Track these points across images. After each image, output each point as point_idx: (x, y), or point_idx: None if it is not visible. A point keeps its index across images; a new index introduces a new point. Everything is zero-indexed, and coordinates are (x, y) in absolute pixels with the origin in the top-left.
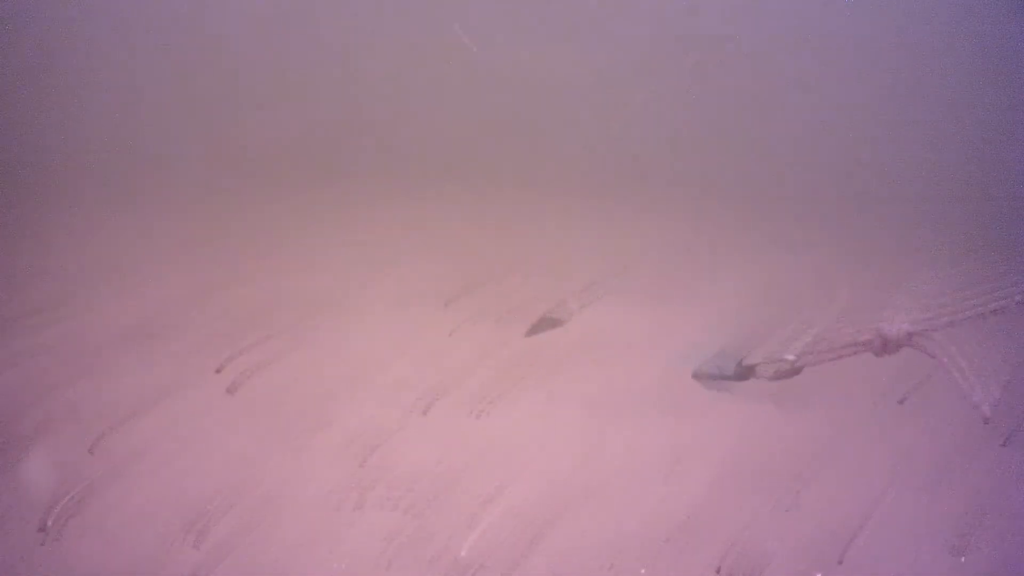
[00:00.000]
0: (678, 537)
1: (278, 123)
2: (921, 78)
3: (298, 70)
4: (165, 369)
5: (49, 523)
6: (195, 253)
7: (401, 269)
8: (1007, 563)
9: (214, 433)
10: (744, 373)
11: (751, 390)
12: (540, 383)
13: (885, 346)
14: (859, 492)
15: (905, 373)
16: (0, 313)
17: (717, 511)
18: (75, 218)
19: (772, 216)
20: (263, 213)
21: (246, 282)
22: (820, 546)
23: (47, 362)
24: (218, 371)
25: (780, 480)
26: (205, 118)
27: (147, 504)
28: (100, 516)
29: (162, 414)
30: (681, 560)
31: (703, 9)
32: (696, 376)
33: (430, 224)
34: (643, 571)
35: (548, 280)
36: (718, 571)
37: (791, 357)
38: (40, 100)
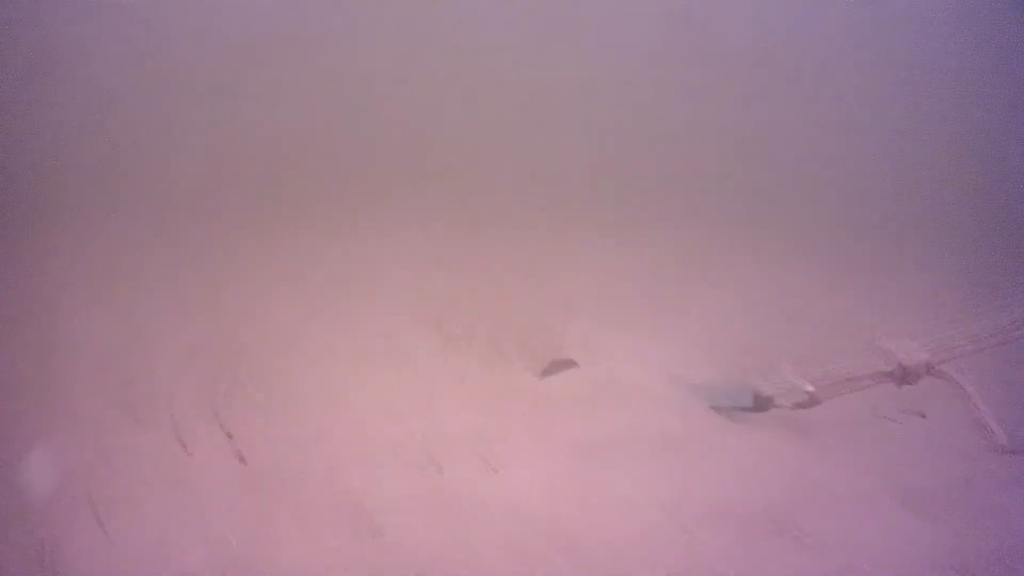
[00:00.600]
0: None
1: (272, 127)
2: (920, 79)
3: (293, 72)
4: (149, 410)
5: None
6: (186, 266)
7: (397, 296)
8: None
9: (213, 503)
10: (762, 404)
11: (766, 421)
12: (553, 428)
13: (905, 376)
14: (872, 522)
15: (918, 391)
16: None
17: (729, 552)
18: (74, 221)
19: (772, 225)
20: (259, 222)
21: (234, 302)
22: None
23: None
24: (229, 437)
25: (792, 516)
26: (198, 120)
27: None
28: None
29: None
30: None
31: (701, 13)
32: (714, 409)
33: (420, 239)
34: None
35: (551, 309)
36: None
37: (810, 388)
38: (36, 104)
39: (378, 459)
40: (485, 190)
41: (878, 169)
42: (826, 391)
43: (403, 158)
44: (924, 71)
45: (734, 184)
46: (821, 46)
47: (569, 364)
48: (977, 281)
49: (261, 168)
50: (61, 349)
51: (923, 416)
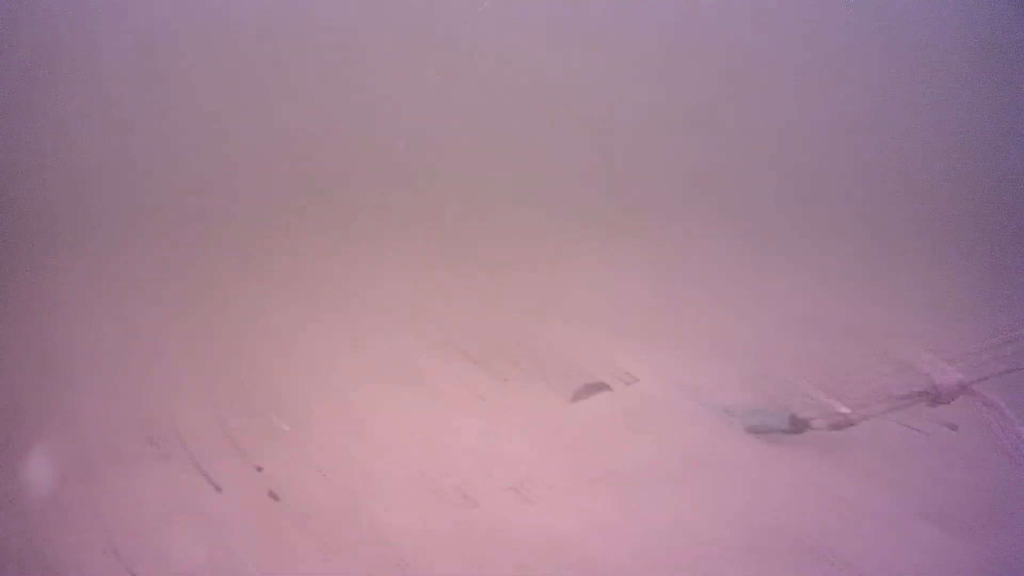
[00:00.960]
0: None
1: (277, 136)
2: (922, 79)
3: (295, 77)
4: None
5: None
6: (197, 281)
7: (412, 320)
8: None
9: (247, 540)
10: (798, 427)
11: (798, 439)
12: (589, 455)
13: (939, 396)
14: (907, 545)
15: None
16: None
17: None
18: (75, 227)
19: (790, 230)
20: (273, 238)
21: (248, 323)
22: None
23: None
24: (260, 470)
25: (826, 539)
26: (199, 127)
27: None
28: None
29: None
30: None
31: (700, 13)
32: (750, 432)
33: (428, 257)
34: None
35: (575, 328)
36: None
37: (846, 410)
38: (37, 108)
39: (399, 484)
40: (496, 198)
41: (895, 171)
42: (860, 412)
43: (410, 163)
44: (935, 73)
45: (748, 189)
46: (830, 48)
47: (600, 387)
48: (1004, 288)
49: (269, 176)
50: (80, 372)
51: (954, 428)
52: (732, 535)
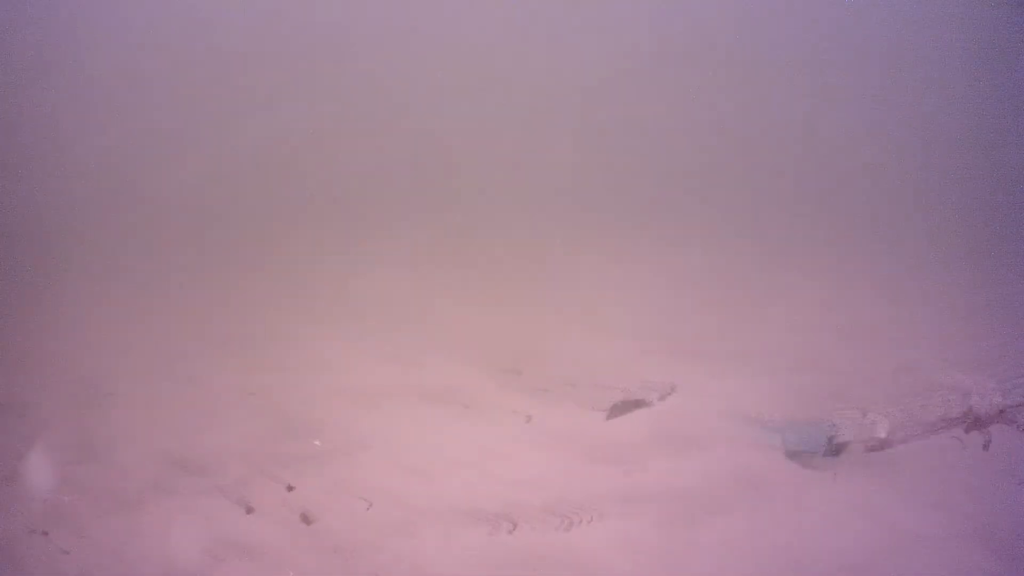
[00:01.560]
0: None
1: (278, 136)
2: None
3: (301, 78)
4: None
5: None
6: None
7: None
8: None
9: (273, 562)
10: (835, 450)
11: (840, 460)
12: (627, 479)
13: (977, 422)
14: (959, 570)
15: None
16: None
17: None
18: (77, 223)
19: (813, 235)
20: (298, 248)
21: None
22: None
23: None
24: (290, 489)
25: (876, 566)
26: (199, 128)
27: None
28: None
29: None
30: None
31: (705, 14)
32: (787, 454)
33: (450, 264)
34: None
35: (593, 335)
36: None
37: (883, 435)
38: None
39: (441, 512)
40: (499, 199)
41: (896, 171)
42: (898, 435)
43: (423, 171)
44: (935, 73)
45: (748, 190)
46: (833, 49)
47: (638, 404)
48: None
49: (271, 178)
50: (83, 374)
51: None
52: (775, 560)
